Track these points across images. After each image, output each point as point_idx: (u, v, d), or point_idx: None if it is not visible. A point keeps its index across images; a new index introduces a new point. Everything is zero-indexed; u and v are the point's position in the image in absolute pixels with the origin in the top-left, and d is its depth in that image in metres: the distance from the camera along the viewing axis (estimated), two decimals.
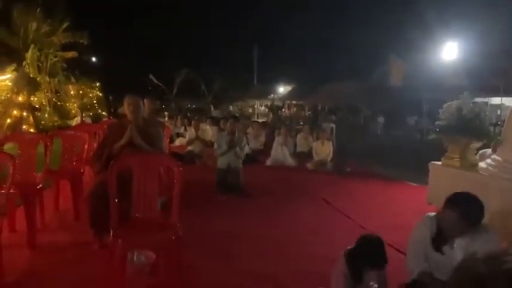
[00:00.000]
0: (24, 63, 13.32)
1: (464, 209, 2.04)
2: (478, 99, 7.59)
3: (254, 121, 15.30)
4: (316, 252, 3.56)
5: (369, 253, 2.30)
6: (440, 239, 2.15)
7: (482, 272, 0.82)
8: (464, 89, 5.79)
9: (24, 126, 11.71)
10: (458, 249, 2.09)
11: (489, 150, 5.43)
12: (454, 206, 2.06)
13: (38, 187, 3.73)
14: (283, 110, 33.19)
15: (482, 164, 4.83)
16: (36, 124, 12.73)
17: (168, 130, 6.70)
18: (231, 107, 36.20)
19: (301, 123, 19.44)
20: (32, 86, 12.98)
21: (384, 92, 24.38)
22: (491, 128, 5.27)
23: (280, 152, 8.69)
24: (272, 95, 34.21)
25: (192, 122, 10.19)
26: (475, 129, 4.80)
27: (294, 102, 33.69)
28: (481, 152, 5.52)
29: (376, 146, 13.67)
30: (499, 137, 4.91)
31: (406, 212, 5.03)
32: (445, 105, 5.19)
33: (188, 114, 20.31)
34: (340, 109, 25.47)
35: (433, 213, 2.33)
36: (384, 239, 3.89)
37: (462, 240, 2.10)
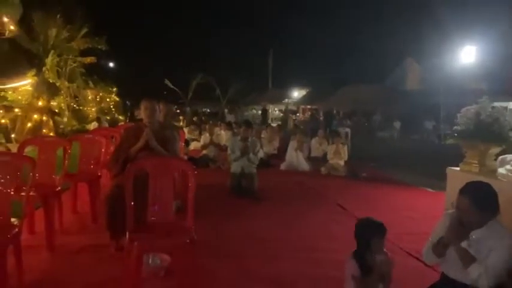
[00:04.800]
0: (44, 68, 13.60)
1: (475, 194, 2.05)
2: (497, 104, 7.45)
3: (268, 125, 15.30)
4: (330, 258, 3.53)
5: (366, 226, 2.48)
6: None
7: None
8: (483, 93, 5.67)
9: (44, 130, 11.96)
10: (473, 242, 2.09)
11: (509, 156, 5.30)
12: (465, 193, 2.08)
13: (57, 190, 3.81)
14: (298, 114, 33.10)
15: (501, 170, 4.72)
16: (56, 128, 12.99)
17: (183, 134, 6.76)
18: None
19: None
20: (52, 91, 13.25)
21: (401, 96, 24.12)
22: (511, 133, 5.14)
23: (295, 157, 8.67)
24: (286, 100, 34.13)
25: (207, 127, 10.26)
26: (494, 134, 4.69)
27: (308, 106, 33.56)
28: (500, 157, 5.39)
29: (392, 151, 13.51)
30: None
31: (423, 219, 4.95)
32: (463, 110, 5.09)
33: (203, 118, 20.46)
34: (356, 113, 25.30)
35: (452, 210, 2.32)
36: (401, 246, 3.86)
37: (477, 234, 2.09)
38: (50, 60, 13.99)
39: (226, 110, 29.81)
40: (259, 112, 37.06)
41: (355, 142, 9.86)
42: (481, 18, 22.02)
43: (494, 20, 20.57)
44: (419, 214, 5.25)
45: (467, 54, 20.24)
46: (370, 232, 2.43)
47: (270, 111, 34.86)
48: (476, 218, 2.06)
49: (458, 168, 5.25)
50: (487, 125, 4.69)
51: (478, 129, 4.76)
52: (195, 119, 17.06)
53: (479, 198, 2.05)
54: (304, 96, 34.15)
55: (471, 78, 19.97)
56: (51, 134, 11.86)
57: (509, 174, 4.49)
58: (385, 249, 2.50)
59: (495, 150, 4.96)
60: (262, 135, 11.12)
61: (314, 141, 10.02)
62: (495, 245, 2.02)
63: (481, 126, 4.73)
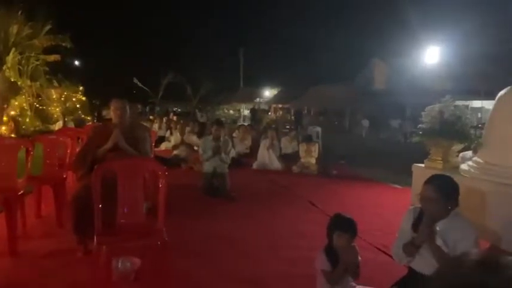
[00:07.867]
0: (4, 67, 13.03)
1: (441, 184, 2.16)
2: (460, 103, 7.76)
3: (240, 125, 15.29)
4: (302, 255, 3.56)
5: (337, 220, 2.51)
6: (420, 224, 2.21)
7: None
8: (446, 93, 5.91)
9: (4, 132, 11.44)
10: (438, 234, 2.16)
11: (470, 153, 5.55)
12: (431, 182, 2.18)
13: (19, 193, 3.65)
14: (270, 113, 33.28)
15: (463, 166, 4.93)
16: (17, 129, 12.45)
17: (153, 134, 6.65)
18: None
19: (288, 126, 19.51)
20: (13, 90, 12.70)
21: (368, 96, 24.72)
22: (472, 131, 5.38)
23: (267, 156, 8.70)
24: (258, 99, 34.25)
25: (178, 126, 10.12)
26: (456, 132, 4.90)
27: (280, 105, 33.81)
28: (462, 154, 5.63)
29: (361, 149, 13.83)
30: (479, 140, 5.03)
31: (391, 214, 5.09)
32: (427, 109, 5.28)
33: (171, 118, 20.13)
34: (326, 112, 25.74)
35: (415, 206, 2.40)
36: (370, 241, 3.95)
37: (441, 225, 2.16)
38: (10, 58, 13.43)
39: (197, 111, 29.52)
40: (231, 112, 36.97)
41: (325, 140, 10.04)
42: (444, 19, 22.93)
43: (457, 20, 21.47)
44: (387, 210, 5.40)
45: (431, 55, 21.03)
46: (334, 226, 2.49)
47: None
48: (440, 207, 2.14)
49: (423, 165, 5.45)
50: (450, 123, 4.89)
51: (441, 128, 4.95)
52: (164, 119, 16.76)
53: (445, 188, 2.15)
54: (275, 96, 34.39)
55: (435, 78, 20.74)
56: (13, 135, 11.35)
57: (471, 170, 4.70)
58: (353, 244, 2.52)
59: (458, 147, 5.18)
60: (234, 135, 11.11)
61: (284, 140, 10.11)
62: (460, 236, 2.10)
63: (444, 124, 4.92)
